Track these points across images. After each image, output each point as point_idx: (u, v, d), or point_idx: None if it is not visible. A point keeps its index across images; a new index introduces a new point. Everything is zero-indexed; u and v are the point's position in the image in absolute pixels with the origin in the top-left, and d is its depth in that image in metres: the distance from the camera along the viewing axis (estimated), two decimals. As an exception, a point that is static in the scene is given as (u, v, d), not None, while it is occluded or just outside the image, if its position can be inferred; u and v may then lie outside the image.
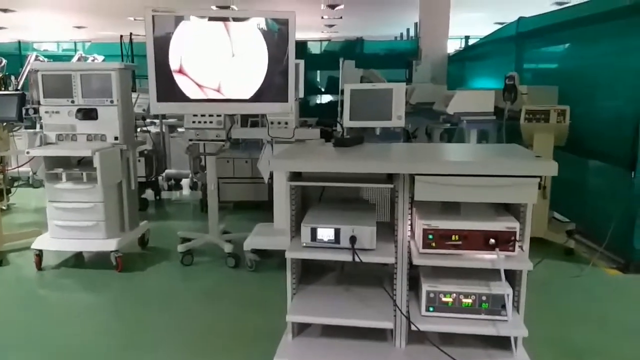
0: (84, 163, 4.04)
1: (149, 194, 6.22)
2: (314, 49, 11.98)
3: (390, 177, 2.11)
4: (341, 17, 14.02)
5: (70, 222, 3.96)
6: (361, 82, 6.18)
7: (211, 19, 2.73)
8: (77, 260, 4.22)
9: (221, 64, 2.84)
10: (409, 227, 2.09)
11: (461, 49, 10.48)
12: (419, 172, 1.94)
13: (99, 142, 4.00)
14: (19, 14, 11.72)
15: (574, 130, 4.07)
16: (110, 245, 3.93)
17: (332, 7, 11.99)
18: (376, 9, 12.34)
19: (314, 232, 2.05)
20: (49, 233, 4.04)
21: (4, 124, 4.72)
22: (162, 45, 2.76)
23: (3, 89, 5.79)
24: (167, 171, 6.79)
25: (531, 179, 1.81)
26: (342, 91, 5.00)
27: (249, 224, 4.46)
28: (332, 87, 8.83)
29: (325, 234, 2.04)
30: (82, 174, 3.92)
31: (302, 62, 3.72)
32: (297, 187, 2.27)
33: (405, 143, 3.30)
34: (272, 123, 3.38)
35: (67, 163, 4.07)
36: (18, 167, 5.32)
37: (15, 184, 6.72)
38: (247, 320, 3.10)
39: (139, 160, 5.64)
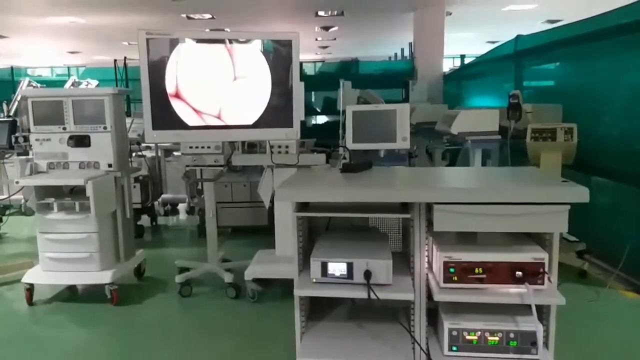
0: (77, 192, 3.88)
1: (144, 220, 6.05)
2: (308, 70, 11.98)
3: (405, 206, 1.97)
4: (335, 39, 14.06)
5: (63, 254, 3.78)
6: (358, 102, 6.10)
7: (210, 41, 2.57)
8: (70, 293, 4.03)
9: (221, 88, 2.66)
10: (426, 258, 1.95)
11: (456, 67, 10.48)
12: (438, 201, 1.81)
13: (92, 169, 3.85)
14: (12, 40, 11.65)
15: (581, 148, 3.97)
16: (104, 277, 3.75)
17: (326, 29, 12.02)
18: (370, 31, 12.37)
19: (324, 266, 1.91)
20: (40, 265, 3.86)
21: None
22: (157, 70, 2.58)
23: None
24: (163, 196, 6.63)
25: (561, 206, 1.68)
26: (343, 112, 4.92)
27: (249, 250, 4.30)
28: (328, 108, 8.76)
29: (337, 268, 1.90)
30: (74, 203, 3.76)
31: (302, 85, 3.61)
32: (304, 218, 2.13)
33: (417, 168, 3.18)
34: (272, 147, 3.23)
35: (59, 192, 3.91)
36: (9, 196, 5.15)
37: (7, 212, 6.53)
38: (250, 357, 2.93)
39: (134, 186, 5.49)
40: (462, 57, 8.98)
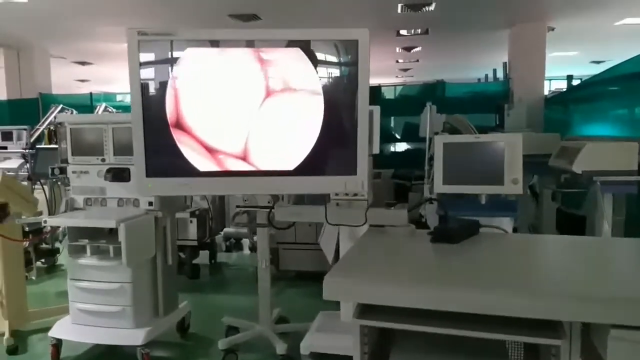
0: (116, 232, 3.35)
1: (203, 256, 5.49)
2: (388, 94, 11.18)
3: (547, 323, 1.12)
4: (417, 60, 13.19)
5: (93, 306, 3.24)
6: (443, 129, 5.25)
7: (232, 43, 1.62)
8: (103, 350, 3.47)
9: (248, 115, 1.65)
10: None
11: (558, 90, 9.24)
12: (618, 322, 0.95)
13: (131, 207, 3.31)
14: (97, 67, 11.98)
15: None
16: (136, 337, 3.14)
17: (409, 49, 11.20)
18: (457, 50, 11.40)
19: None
20: (70, 317, 3.35)
21: (35, 184, 4.21)
22: (154, 88, 1.67)
23: (55, 141, 5.41)
24: (225, 230, 6.09)
25: None
26: (428, 142, 4.07)
27: (312, 303, 3.62)
28: (408, 134, 7.91)
29: None
30: (109, 247, 3.22)
31: (377, 109, 2.83)
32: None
33: (559, 237, 2.27)
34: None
35: (97, 232, 3.40)
36: (47, 234, 4.71)
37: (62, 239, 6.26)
38: None
39: (191, 221, 4.96)
40: (569, 77, 7.78)
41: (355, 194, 2.22)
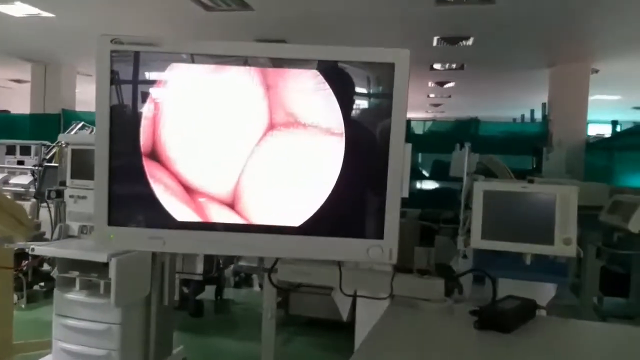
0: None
1: (209, 291, 5.12)
2: (416, 128, 10.80)
3: None
4: (450, 96, 12.84)
5: (78, 347, 2.91)
6: (476, 170, 4.86)
7: (230, 60, 1.24)
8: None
9: (242, 149, 1.25)
10: None
11: (601, 136, 8.75)
12: None
13: (128, 240, 2.98)
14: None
15: None
16: (120, 388, 2.78)
17: (441, 84, 10.87)
18: (492, 88, 11.01)
19: None
20: (52, 356, 3.01)
21: (41, 203, 3.95)
22: (126, 109, 1.27)
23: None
24: (235, 264, 5.72)
25: None
26: (467, 185, 3.67)
27: (323, 357, 3.15)
28: (438, 172, 7.52)
29: None
30: (100, 282, 2.89)
31: (409, 147, 2.45)
32: None
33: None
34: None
35: (89, 264, 3.08)
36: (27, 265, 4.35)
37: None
38: None
39: (197, 254, 4.62)
40: (614, 123, 7.32)
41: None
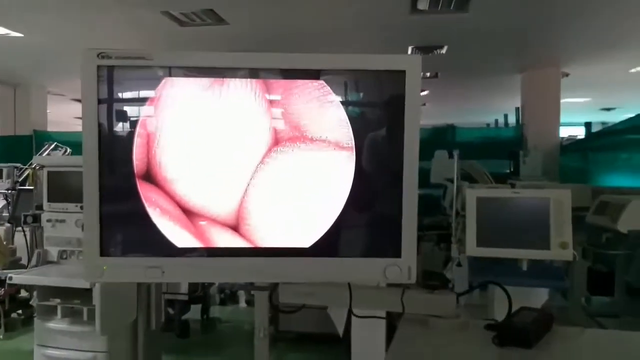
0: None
1: (194, 310, 4.98)
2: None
3: None
4: (424, 104, 12.98)
5: (61, 379, 2.76)
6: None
7: (230, 73, 1.14)
8: None
9: (246, 167, 1.17)
10: None
11: (575, 137, 8.94)
12: None
13: (111, 263, 2.87)
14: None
15: None
16: (108, 420, 2.65)
17: (416, 93, 10.99)
18: (466, 95, 11.18)
19: None
20: (34, 390, 2.86)
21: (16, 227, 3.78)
22: (116, 128, 1.16)
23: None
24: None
25: None
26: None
27: None
28: (418, 179, 7.52)
29: None
30: (83, 309, 2.77)
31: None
32: None
33: None
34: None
35: (71, 290, 2.95)
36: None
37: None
38: None
39: (182, 274, 4.50)
40: (587, 124, 7.49)
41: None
